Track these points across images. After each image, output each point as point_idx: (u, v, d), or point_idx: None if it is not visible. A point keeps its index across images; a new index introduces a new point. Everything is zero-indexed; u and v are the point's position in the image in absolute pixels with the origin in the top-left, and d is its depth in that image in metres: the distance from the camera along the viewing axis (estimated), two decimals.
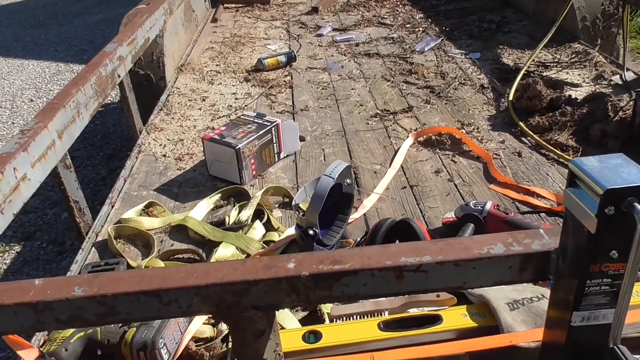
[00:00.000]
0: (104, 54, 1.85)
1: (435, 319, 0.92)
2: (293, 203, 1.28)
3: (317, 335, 0.92)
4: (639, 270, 0.64)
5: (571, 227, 0.67)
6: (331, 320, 1.01)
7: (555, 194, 1.50)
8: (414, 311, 0.98)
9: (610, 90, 2.13)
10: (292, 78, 2.55)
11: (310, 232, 1.16)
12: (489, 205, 1.30)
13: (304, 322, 1.05)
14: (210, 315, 1.08)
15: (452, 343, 0.86)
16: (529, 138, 1.87)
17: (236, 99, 2.34)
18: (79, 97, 1.57)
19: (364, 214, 1.48)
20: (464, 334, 0.89)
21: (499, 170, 1.65)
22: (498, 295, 0.95)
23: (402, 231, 1.21)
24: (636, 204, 0.60)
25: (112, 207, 1.60)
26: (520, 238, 0.73)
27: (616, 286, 0.66)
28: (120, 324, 1.05)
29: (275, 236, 1.36)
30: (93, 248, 1.42)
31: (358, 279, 0.71)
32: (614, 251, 0.64)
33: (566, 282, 0.69)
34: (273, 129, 1.73)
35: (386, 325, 0.92)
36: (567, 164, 1.59)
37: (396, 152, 1.80)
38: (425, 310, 0.98)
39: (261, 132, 1.68)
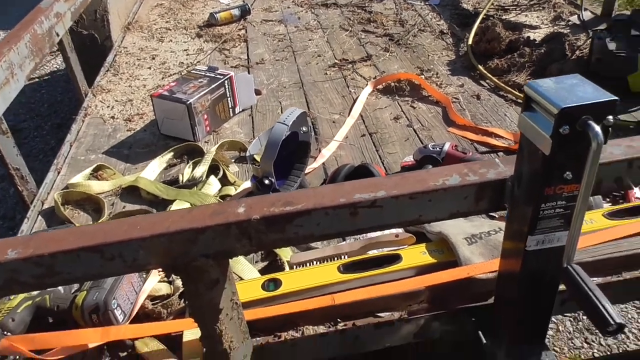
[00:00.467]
0: (38, 11, 1.71)
1: (394, 259, 0.91)
2: (247, 154, 1.23)
3: (276, 283, 0.90)
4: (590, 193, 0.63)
5: (526, 152, 0.66)
6: (291, 268, 0.99)
7: (513, 133, 1.50)
8: (373, 253, 0.97)
9: (568, 30, 2.13)
10: (246, 32, 2.44)
11: (266, 181, 1.12)
12: (447, 146, 1.28)
13: (263, 271, 1.03)
14: (165, 272, 1.04)
15: (411, 279, 0.86)
16: (487, 81, 1.86)
17: (188, 55, 2.23)
18: (12, 57, 1.45)
19: (323, 163, 1.45)
20: (423, 270, 0.89)
21: (458, 114, 1.63)
22: (456, 231, 0.94)
23: (360, 176, 1.19)
24: (591, 122, 0.58)
25: (58, 173, 1.51)
26: (476, 168, 0.72)
27: (570, 208, 0.66)
28: (72, 290, 1.01)
29: (231, 190, 1.31)
30: (39, 217, 1.35)
31: (311, 218, 0.68)
32: (568, 172, 0.63)
33: (521, 209, 0.68)
34: (226, 82, 1.65)
35: (346, 268, 0.90)
36: None
37: (355, 100, 1.76)
38: (385, 251, 0.96)
39: (213, 85, 1.60)
